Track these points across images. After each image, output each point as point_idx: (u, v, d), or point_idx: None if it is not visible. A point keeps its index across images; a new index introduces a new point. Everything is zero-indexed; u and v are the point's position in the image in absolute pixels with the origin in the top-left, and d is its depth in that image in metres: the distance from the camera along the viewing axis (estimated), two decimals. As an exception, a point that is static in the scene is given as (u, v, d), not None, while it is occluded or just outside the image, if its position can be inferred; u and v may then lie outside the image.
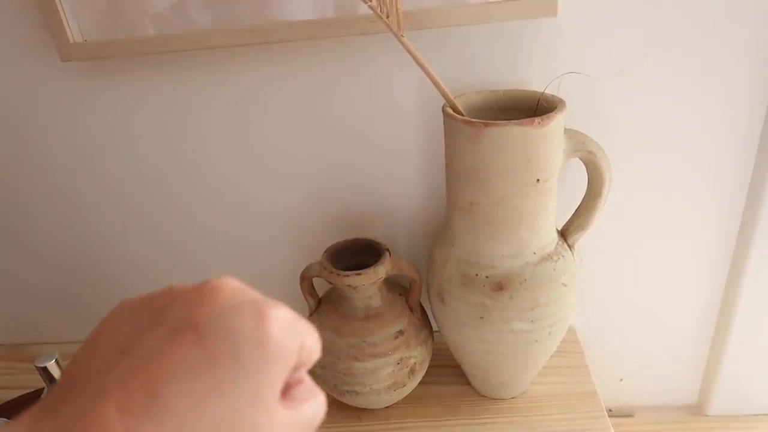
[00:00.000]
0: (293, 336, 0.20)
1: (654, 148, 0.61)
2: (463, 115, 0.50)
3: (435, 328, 0.61)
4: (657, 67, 0.57)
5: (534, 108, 0.53)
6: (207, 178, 0.66)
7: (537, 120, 0.46)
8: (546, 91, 0.52)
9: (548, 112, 0.48)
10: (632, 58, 0.57)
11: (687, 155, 0.62)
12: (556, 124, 0.47)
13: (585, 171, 0.53)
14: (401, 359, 0.56)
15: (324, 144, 0.63)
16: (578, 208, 0.56)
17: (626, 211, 0.65)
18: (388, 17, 0.47)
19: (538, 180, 0.49)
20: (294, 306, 0.21)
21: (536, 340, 0.55)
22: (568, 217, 0.57)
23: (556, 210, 0.53)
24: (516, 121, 0.46)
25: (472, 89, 0.56)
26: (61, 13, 0.55)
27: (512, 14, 0.53)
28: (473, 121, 0.47)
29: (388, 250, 0.57)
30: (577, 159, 0.52)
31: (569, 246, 0.56)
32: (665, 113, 0.60)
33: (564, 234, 0.57)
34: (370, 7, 0.46)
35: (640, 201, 0.65)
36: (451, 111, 0.50)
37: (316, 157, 0.64)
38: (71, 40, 0.56)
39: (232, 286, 0.21)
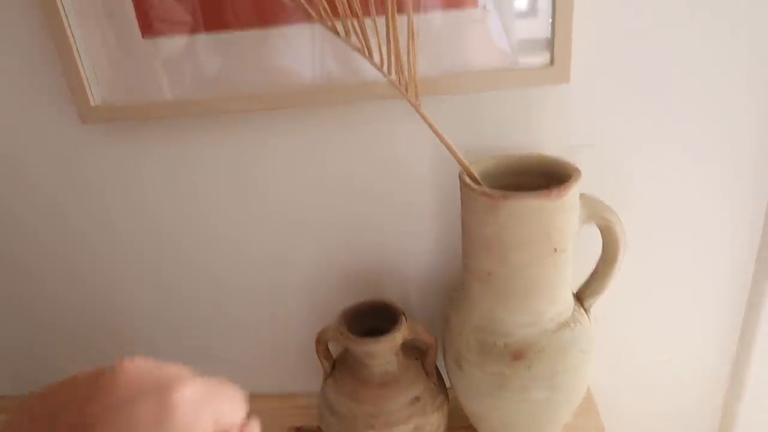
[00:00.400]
0: (204, 412, 0.19)
1: (666, 210, 0.62)
2: (479, 182, 0.51)
3: (448, 384, 0.60)
4: (668, 136, 0.58)
5: (546, 172, 0.53)
6: (220, 235, 0.66)
7: (554, 192, 0.46)
8: (559, 157, 0.53)
9: (561, 178, 0.48)
10: (643, 127, 0.58)
11: (699, 220, 0.62)
12: (573, 194, 0.48)
13: (597, 232, 0.53)
14: (417, 426, 0.55)
15: (337, 203, 0.64)
16: (594, 272, 0.56)
17: (639, 272, 0.65)
18: (407, 90, 0.48)
19: (555, 249, 0.49)
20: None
21: (555, 407, 0.54)
22: (583, 280, 0.57)
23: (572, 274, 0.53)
24: (534, 194, 0.46)
25: (485, 152, 0.56)
26: (83, 77, 0.56)
27: (527, 82, 0.54)
28: (491, 193, 0.47)
29: (404, 314, 0.56)
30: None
31: (585, 310, 0.56)
32: (677, 178, 0.60)
33: (579, 298, 0.57)
34: (390, 81, 0.47)
35: (653, 262, 0.65)
36: (468, 180, 0.50)
37: (329, 216, 0.64)
38: (92, 104, 0.58)
39: (133, 371, 0.20)
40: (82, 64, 0.56)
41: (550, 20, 0.51)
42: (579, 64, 0.54)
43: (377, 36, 0.46)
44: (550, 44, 0.52)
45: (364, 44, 0.46)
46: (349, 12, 0.44)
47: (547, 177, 0.53)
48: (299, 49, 0.55)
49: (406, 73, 0.47)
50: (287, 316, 0.71)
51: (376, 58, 0.46)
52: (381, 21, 0.45)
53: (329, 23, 0.45)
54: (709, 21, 0.53)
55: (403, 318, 0.56)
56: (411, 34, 0.46)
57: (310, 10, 0.44)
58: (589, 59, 0.54)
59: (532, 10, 0.52)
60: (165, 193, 0.64)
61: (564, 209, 0.48)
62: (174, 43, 0.55)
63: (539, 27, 0.52)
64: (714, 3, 0.52)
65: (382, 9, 0.46)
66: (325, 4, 0.44)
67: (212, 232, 0.66)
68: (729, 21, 0.53)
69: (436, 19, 0.52)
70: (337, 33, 0.45)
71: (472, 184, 0.49)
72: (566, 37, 0.51)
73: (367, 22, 0.45)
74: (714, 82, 0.55)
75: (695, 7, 0.52)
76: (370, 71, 0.50)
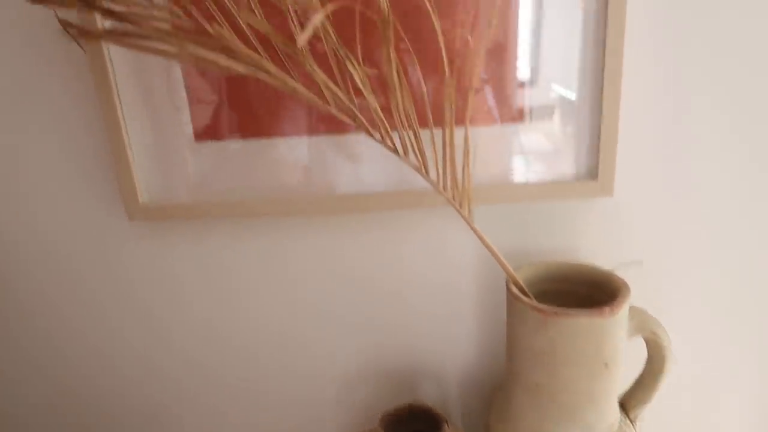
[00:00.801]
0: None
1: (710, 325, 0.62)
2: (526, 293, 0.51)
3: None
4: (711, 250, 0.59)
5: (590, 282, 0.54)
6: (257, 333, 0.66)
7: (607, 309, 0.47)
8: (604, 269, 0.53)
9: (606, 289, 0.49)
10: (684, 237, 0.59)
11: (745, 337, 0.63)
12: (624, 311, 0.48)
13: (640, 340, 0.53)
14: None
15: (377, 304, 0.64)
16: (639, 382, 0.55)
17: (683, 380, 0.65)
18: (460, 205, 0.49)
19: (606, 364, 0.49)
20: None
21: None
22: (627, 388, 0.56)
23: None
24: (586, 311, 0.47)
25: (528, 258, 0.57)
26: (134, 177, 0.57)
27: (572, 194, 0.56)
28: (542, 308, 0.47)
29: (446, 421, 0.55)
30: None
31: (631, 420, 0.55)
32: (721, 290, 0.61)
33: (625, 407, 0.56)
34: (447, 199, 0.48)
35: (697, 371, 0.65)
36: (516, 291, 0.51)
37: (369, 317, 0.64)
38: (140, 202, 0.58)
39: None
40: (134, 166, 0.57)
41: (597, 136, 0.53)
42: (623, 179, 0.56)
43: (435, 153, 0.47)
44: (595, 159, 0.54)
45: (421, 163, 0.47)
46: (407, 126, 0.46)
47: (589, 286, 0.54)
48: (340, 156, 0.57)
49: (459, 188, 0.48)
50: (322, 420, 0.69)
51: (432, 174, 0.48)
52: (430, 130, 0.47)
53: (389, 143, 0.47)
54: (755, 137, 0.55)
55: (446, 425, 0.55)
56: (467, 152, 0.48)
57: (372, 131, 0.46)
58: (633, 175, 0.56)
59: (576, 125, 0.54)
60: (206, 287, 0.64)
61: (616, 325, 0.48)
62: (222, 147, 0.57)
63: (583, 140, 0.54)
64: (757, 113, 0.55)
65: (437, 120, 0.48)
66: (386, 125, 0.46)
67: (248, 330, 0.66)
68: None
69: (485, 131, 0.54)
70: (396, 152, 0.47)
71: (522, 297, 0.50)
72: (611, 152, 0.53)
73: (420, 131, 0.47)
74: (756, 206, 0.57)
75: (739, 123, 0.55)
76: (420, 180, 0.51)
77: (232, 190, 0.58)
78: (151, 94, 0.55)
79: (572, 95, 0.53)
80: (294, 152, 0.57)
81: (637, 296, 0.53)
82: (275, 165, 0.57)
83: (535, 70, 0.53)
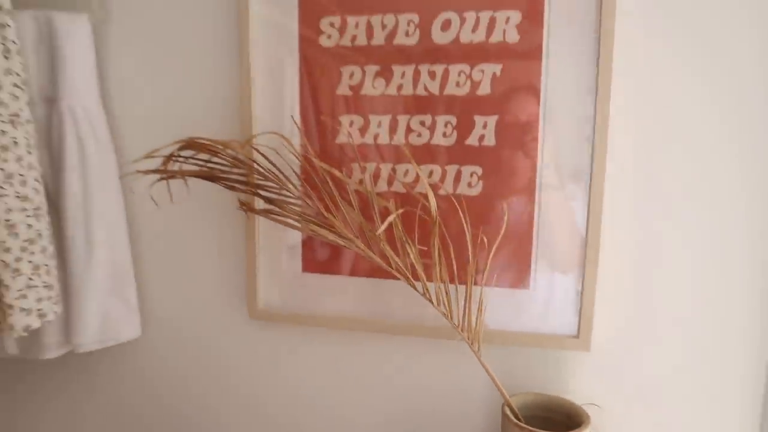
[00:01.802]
0: None
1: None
2: (517, 415, 0.71)
3: None
4: (663, 400, 0.76)
5: (567, 413, 0.72)
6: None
7: (570, 434, 0.66)
8: (576, 404, 0.72)
9: (577, 419, 0.68)
10: (646, 394, 0.76)
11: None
12: (584, 437, 0.67)
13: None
14: None
15: (399, 415, 0.85)
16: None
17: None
18: (473, 343, 0.71)
19: (568, 477, 0.66)
20: None
21: None
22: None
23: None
24: (555, 434, 0.66)
25: (522, 390, 0.77)
26: (257, 287, 0.85)
27: (558, 345, 0.76)
28: (524, 427, 0.67)
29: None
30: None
31: None
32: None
33: None
34: (462, 337, 0.71)
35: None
36: (509, 414, 0.71)
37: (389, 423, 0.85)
38: (259, 306, 0.86)
39: None
40: (258, 283, 0.85)
41: (578, 307, 0.75)
42: (599, 338, 0.76)
43: (458, 306, 0.71)
44: (578, 322, 0.75)
45: (448, 311, 0.71)
46: (442, 286, 0.70)
47: (564, 415, 0.72)
48: (397, 296, 0.81)
49: (473, 330, 0.71)
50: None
51: (455, 319, 0.71)
52: (455, 287, 0.71)
53: (427, 296, 0.71)
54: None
55: None
56: (480, 307, 0.71)
57: (416, 286, 0.71)
58: (608, 338, 0.76)
59: (565, 296, 0.76)
60: (301, 379, 0.89)
61: (576, 447, 0.66)
62: (318, 278, 0.84)
63: (571, 307, 0.76)
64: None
65: (461, 278, 0.72)
66: (427, 284, 0.70)
67: (326, 414, 0.89)
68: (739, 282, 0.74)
69: (495, 291, 0.77)
70: (432, 302, 0.71)
71: (511, 416, 0.70)
72: (589, 319, 0.74)
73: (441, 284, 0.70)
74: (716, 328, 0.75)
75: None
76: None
77: (320, 308, 0.84)
78: (277, 241, 0.84)
79: (565, 278, 0.76)
80: (361, 288, 0.82)
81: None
82: (347, 294, 0.83)
83: (537, 257, 0.76)
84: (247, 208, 0.75)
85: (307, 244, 0.84)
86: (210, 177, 0.74)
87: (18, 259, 0.69)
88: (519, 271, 0.77)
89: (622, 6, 0.69)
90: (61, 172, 0.80)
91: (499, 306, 0.78)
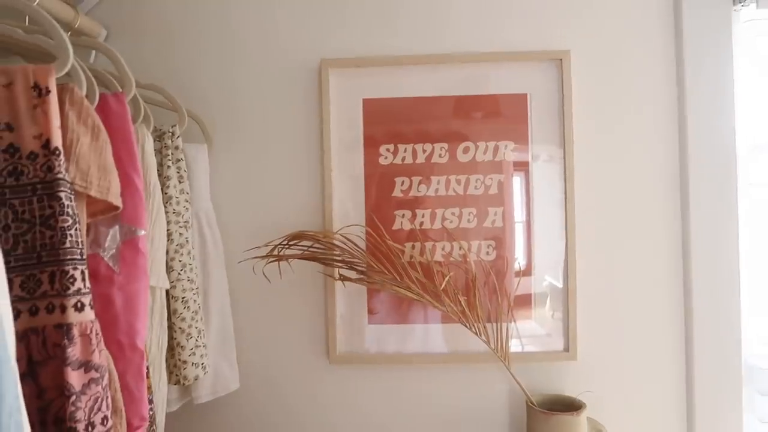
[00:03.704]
0: None
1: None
2: (536, 406, 1.05)
3: None
4: (644, 399, 1.14)
5: (568, 403, 1.07)
6: None
7: (575, 413, 1.01)
8: (574, 397, 1.08)
9: (577, 406, 1.03)
10: (625, 391, 1.14)
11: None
12: (584, 415, 1.02)
13: (598, 440, 1.05)
14: None
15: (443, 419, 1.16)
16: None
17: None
18: (504, 359, 1.05)
19: (577, 443, 1.01)
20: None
21: None
22: (592, 466, 1.06)
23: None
24: (567, 413, 1.01)
25: (537, 391, 1.11)
26: (335, 337, 1.14)
27: (554, 358, 1.12)
28: (545, 411, 1.01)
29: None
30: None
31: (595, 483, 1.05)
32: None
33: (591, 476, 1.06)
34: (498, 357, 1.05)
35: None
36: (532, 404, 1.05)
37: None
38: (337, 353, 1.14)
39: None
40: (337, 333, 1.15)
41: (566, 330, 1.12)
42: (583, 351, 1.13)
43: (494, 334, 1.05)
44: (566, 341, 1.12)
45: (487, 339, 1.05)
46: (479, 319, 1.04)
47: (565, 406, 1.07)
48: (437, 331, 1.14)
49: (505, 351, 1.06)
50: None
51: (492, 344, 1.05)
52: (491, 324, 1.06)
53: (473, 330, 1.05)
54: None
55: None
56: (507, 335, 1.06)
57: (468, 325, 1.05)
58: (590, 350, 1.14)
59: (556, 321, 1.13)
60: (371, 414, 1.17)
61: (581, 423, 1.01)
62: (381, 328, 1.15)
63: (561, 328, 1.13)
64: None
65: (494, 316, 1.07)
66: (474, 323, 1.04)
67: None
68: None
69: (517, 324, 1.13)
70: (476, 334, 1.05)
71: (535, 407, 1.04)
72: (574, 339, 1.12)
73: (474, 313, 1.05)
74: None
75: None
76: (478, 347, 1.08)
77: (383, 349, 1.15)
78: (351, 297, 1.15)
79: (558, 316, 1.14)
80: (413, 332, 1.15)
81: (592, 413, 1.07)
82: (400, 336, 1.15)
83: (538, 298, 1.14)
84: (344, 278, 1.06)
85: (371, 302, 1.15)
86: (313, 258, 1.05)
87: (189, 326, 0.94)
88: (525, 310, 1.14)
89: (576, 138, 1.13)
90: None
91: (518, 335, 1.14)
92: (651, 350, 1.14)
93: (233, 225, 1.17)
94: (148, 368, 0.77)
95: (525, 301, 1.14)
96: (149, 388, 0.77)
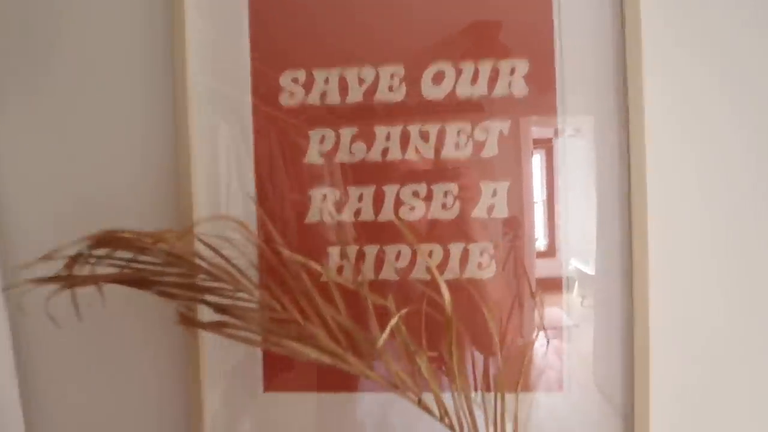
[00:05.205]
0: None
1: None
2: None
3: None
4: None
5: None
6: None
7: None
8: None
9: None
10: None
11: None
12: None
13: None
14: None
15: None
16: None
17: None
18: None
19: None
20: None
21: None
22: None
23: None
24: None
25: None
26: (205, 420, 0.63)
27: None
28: None
29: None
30: None
31: None
32: None
33: None
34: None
35: None
36: None
37: None
38: (205, 449, 0.63)
39: None
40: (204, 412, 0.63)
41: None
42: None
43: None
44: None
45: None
46: (465, 408, 0.52)
47: None
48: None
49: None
50: None
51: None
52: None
53: (446, 421, 0.52)
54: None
55: None
56: (516, 421, 0.53)
57: (432, 411, 0.52)
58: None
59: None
60: None
61: None
62: (288, 398, 0.63)
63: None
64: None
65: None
66: (446, 408, 0.52)
67: None
68: None
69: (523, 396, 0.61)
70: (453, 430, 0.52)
71: None
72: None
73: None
74: None
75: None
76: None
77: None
78: (237, 359, 0.63)
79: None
80: (335, 405, 0.63)
81: None
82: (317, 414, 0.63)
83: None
84: (187, 321, 0.54)
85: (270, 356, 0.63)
86: (136, 281, 0.53)
87: None
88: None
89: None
90: None
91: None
92: None
93: (25, 223, 0.67)
94: None
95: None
96: None
